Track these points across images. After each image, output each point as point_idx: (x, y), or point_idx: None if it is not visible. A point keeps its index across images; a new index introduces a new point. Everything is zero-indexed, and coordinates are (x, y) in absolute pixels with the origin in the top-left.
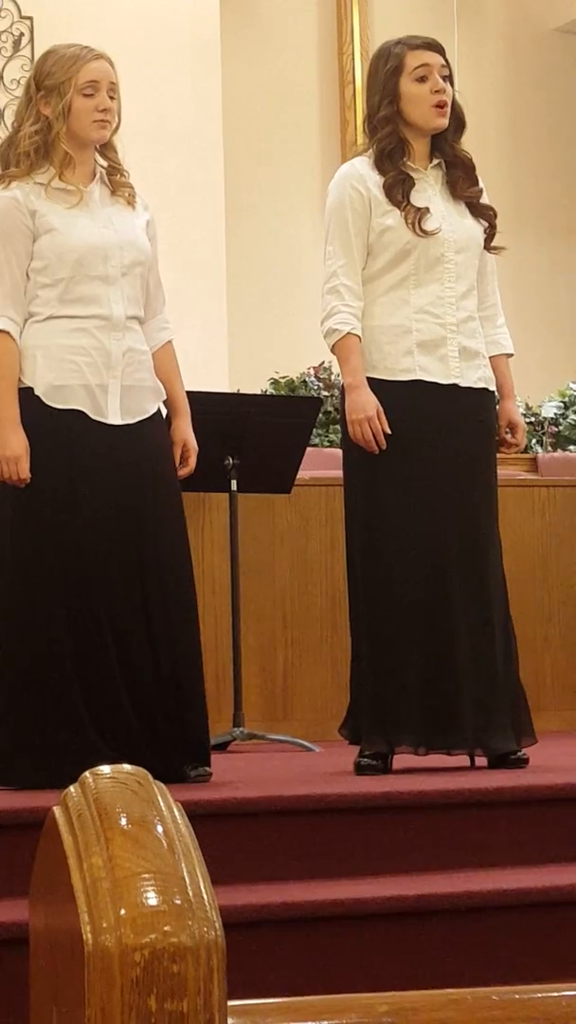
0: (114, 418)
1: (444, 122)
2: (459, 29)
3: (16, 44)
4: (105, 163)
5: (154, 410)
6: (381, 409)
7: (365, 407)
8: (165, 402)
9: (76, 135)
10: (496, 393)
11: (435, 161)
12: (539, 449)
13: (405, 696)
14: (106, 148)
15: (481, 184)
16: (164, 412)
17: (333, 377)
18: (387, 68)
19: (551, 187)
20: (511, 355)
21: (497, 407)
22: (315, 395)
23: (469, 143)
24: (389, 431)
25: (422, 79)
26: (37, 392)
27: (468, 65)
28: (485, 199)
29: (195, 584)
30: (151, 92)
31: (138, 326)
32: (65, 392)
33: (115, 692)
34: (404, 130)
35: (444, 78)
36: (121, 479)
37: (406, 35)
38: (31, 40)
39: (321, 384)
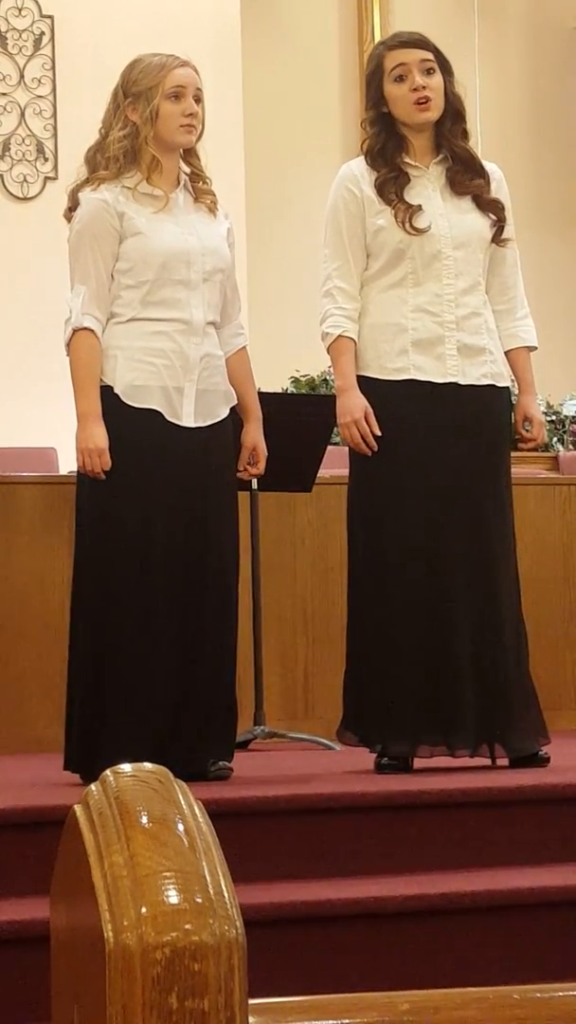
0: (188, 420)
1: (429, 116)
2: (480, 27)
3: (37, 43)
4: (188, 170)
5: (225, 414)
6: (370, 410)
7: (352, 410)
8: (236, 407)
9: (163, 139)
10: (511, 388)
11: (439, 157)
12: (560, 447)
13: (404, 698)
14: (190, 155)
15: (492, 176)
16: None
17: None
18: (369, 71)
19: (573, 183)
20: (533, 348)
21: (515, 402)
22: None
23: (491, 140)
24: (379, 432)
25: (400, 78)
26: (116, 391)
27: (489, 63)
28: (496, 192)
29: (239, 586)
30: None
31: (215, 331)
32: (143, 392)
33: (166, 688)
34: (402, 128)
35: (428, 71)
36: (191, 479)
37: (391, 34)
38: (51, 39)
39: None
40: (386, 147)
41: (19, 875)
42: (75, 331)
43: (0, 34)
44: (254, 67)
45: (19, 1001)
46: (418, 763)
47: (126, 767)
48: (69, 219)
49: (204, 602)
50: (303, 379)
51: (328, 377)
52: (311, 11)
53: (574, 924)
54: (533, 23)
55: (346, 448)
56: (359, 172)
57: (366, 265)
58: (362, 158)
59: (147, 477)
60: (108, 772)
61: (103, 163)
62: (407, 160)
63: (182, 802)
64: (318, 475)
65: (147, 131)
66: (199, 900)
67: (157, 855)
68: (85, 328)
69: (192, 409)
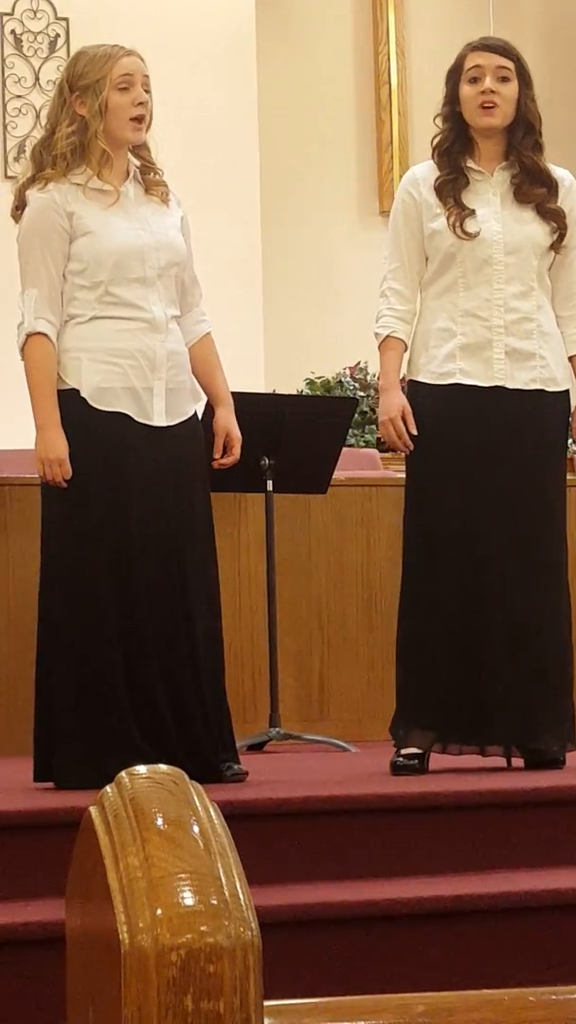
0: (159, 420)
1: (491, 121)
2: (495, 27)
3: (52, 45)
4: (138, 162)
5: (192, 411)
6: (408, 410)
7: (389, 409)
8: (207, 397)
9: (113, 133)
10: (567, 393)
11: (504, 163)
12: (575, 448)
13: (432, 694)
14: (139, 147)
15: (562, 183)
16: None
17: (369, 377)
18: (450, 69)
19: None
20: None
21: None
22: (351, 395)
23: None
24: (415, 432)
25: (474, 80)
26: (83, 394)
27: None
28: (563, 199)
29: (219, 583)
30: (186, 94)
31: (176, 326)
32: (110, 395)
33: (154, 690)
34: (471, 131)
35: (503, 79)
36: (164, 479)
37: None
38: (67, 41)
39: (357, 384)
40: (453, 147)
41: (34, 877)
42: (28, 336)
43: (15, 36)
44: (269, 68)
45: (34, 1003)
46: (433, 764)
47: (141, 769)
48: (16, 219)
49: (184, 604)
50: (318, 381)
51: (343, 379)
52: (326, 14)
53: None
54: (548, 24)
55: (359, 450)
56: (421, 176)
57: (425, 268)
58: (430, 159)
59: (120, 480)
60: (123, 773)
61: (50, 161)
62: (470, 164)
63: (197, 804)
64: (333, 477)
65: (97, 125)
66: (214, 902)
67: (172, 857)
68: (39, 333)
69: (163, 407)
